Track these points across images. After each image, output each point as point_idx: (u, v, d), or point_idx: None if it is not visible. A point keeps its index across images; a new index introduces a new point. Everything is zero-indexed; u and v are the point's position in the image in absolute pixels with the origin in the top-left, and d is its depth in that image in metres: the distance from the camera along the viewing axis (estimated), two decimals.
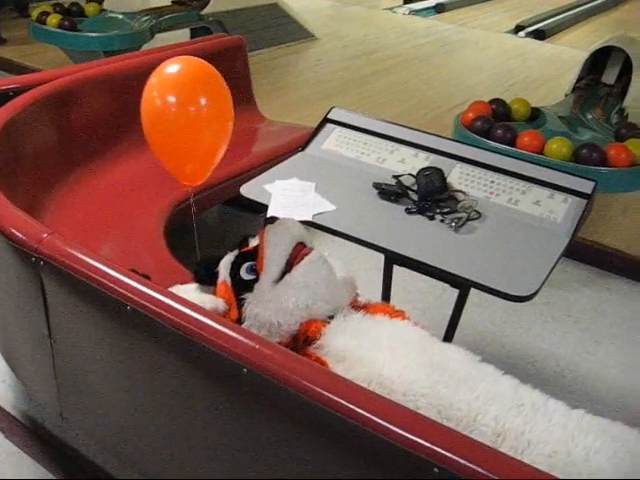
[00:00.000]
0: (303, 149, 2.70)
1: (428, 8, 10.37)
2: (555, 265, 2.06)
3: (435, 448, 1.17)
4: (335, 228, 2.22)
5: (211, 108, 2.21)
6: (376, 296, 2.43)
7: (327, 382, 1.33)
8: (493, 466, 1.13)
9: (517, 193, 2.37)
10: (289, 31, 7.45)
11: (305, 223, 1.95)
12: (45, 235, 1.78)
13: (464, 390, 1.47)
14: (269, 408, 1.43)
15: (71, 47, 5.47)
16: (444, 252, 2.11)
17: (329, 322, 1.67)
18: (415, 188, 2.37)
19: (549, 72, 7.12)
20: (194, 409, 1.63)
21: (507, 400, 1.44)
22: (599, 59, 4.76)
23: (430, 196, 2.32)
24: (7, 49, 6.60)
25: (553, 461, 1.33)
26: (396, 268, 2.41)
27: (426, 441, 1.18)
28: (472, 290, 2.16)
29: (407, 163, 2.54)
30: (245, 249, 1.80)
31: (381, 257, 2.35)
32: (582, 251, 3.65)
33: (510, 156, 2.56)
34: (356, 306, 1.78)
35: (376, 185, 2.39)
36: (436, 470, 1.15)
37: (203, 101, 2.19)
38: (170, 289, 1.69)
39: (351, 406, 1.26)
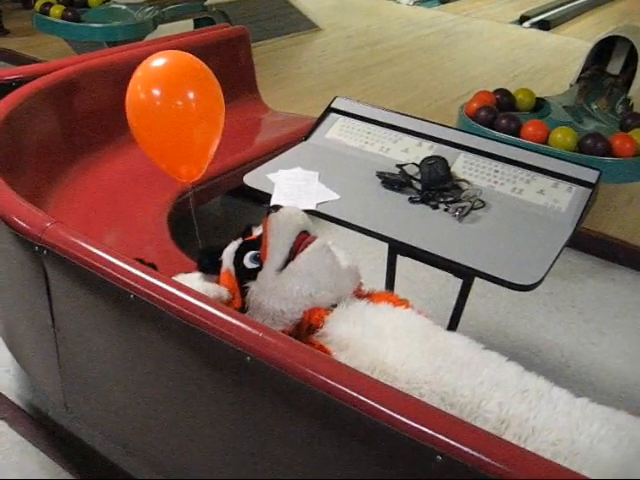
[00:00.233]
0: (306, 138, 2.70)
1: None
2: (559, 254, 2.05)
3: (438, 436, 1.16)
4: (339, 217, 2.21)
5: (200, 105, 2.19)
6: (380, 286, 2.43)
7: (330, 370, 1.33)
8: (497, 453, 1.13)
9: (521, 182, 2.36)
10: (293, 22, 7.42)
11: (309, 212, 1.94)
12: (48, 224, 1.78)
13: (467, 376, 1.46)
14: (272, 396, 1.43)
15: (74, 38, 5.46)
16: (448, 241, 2.10)
17: (332, 310, 1.67)
18: (419, 177, 2.37)
19: (554, 62, 7.09)
20: (198, 397, 1.63)
21: (511, 386, 1.44)
22: (604, 49, 4.73)
23: (434, 185, 2.31)
24: (10, 40, 6.59)
25: (557, 449, 1.33)
26: (400, 258, 2.41)
27: (429, 429, 1.18)
28: (476, 280, 2.15)
29: (411, 152, 2.53)
30: (249, 238, 1.80)
31: (385, 246, 2.35)
32: (587, 241, 3.64)
33: (515, 146, 2.55)
34: (360, 295, 1.78)
35: (380, 174, 2.39)
36: (439, 457, 1.15)
37: (191, 96, 2.16)
38: (174, 278, 1.69)
39: (354, 394, 1.26)
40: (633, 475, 1.30)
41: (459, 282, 2.27)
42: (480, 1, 10.36)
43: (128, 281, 1.59)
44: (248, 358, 1.39)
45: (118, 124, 3.22)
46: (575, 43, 7.69)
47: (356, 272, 1.83)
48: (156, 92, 2.14)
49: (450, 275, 2.20)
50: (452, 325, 2.37)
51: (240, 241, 1.80)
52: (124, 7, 5.68)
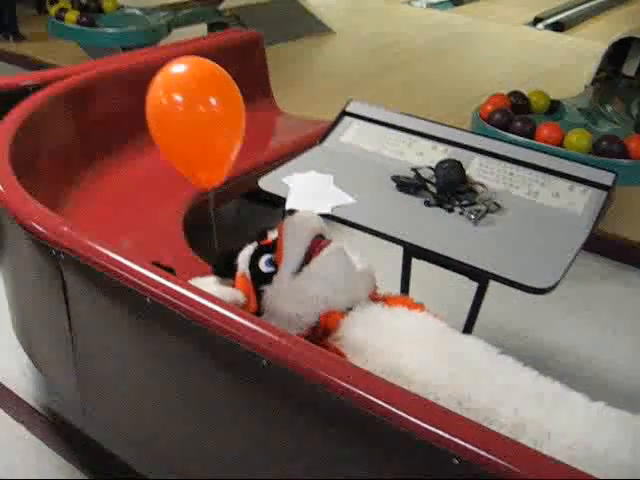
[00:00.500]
0: (321, 142, 2.70)
1: (445, 1, 10.32)
2: (575, 257, 2.04)
3: (454, 439, 1.16)
4: (354, 221, 2.21)
5: (221, 111, 2.20)
6: (395, 289, 2.42)
7: (346, 374, 1.33)
8: (513, 457, 1.13)
9: (536, 185, 2.35)
10: (306, 25, 7.44)
11: (324, 216, 1.94)
12: (65, 228, 1.79)
13: (484, 381, 1.46)
14: (288, 400, 1.43)
15: (89, 43, 5.51)
16: (463, 244, 2.10)
17: (348, 314, 1.67)
18: (434, 181, 2.36)
19: (568, 64, 7.05)
20: (214, 401, 1.63)
21: (527, 391, 1.44)
22: (619, 50, 4.71)
23: (449, 188, 2.31)
24: (26, 46, 6.64)
25: (573, 453, 1.32)
26: (415, 261, 2.41)
27: (446, 432, 1.17)
28: (491, 283, 2.15)
29: (425, 156, 2.53)
30: (264, 242, 1.81)
31: (400, 250, 2.34)
32: (602, 244, 3.62)
33: (529, 149, 2.54)
34: (375, 298, 1.78)
35: (394, 178, 2.39)
36: (456, 461, 1.15)
37: (214, 103, 2.17)
38: (189, 282, 1.70)
39: (370, 397, 1.26)
40: None
41: (474, 285, 2.27)
42: (493, 3, 10.35)
43: (144, 285, 1.59)
44: (264, 362, 1.39)
45: (134, 129, 3.25)
46: (589, 44, 7.64)
47: (371, 275, 1.83)
48: (178, 98, 2.15)
49: (465, 278, 2.19)
50: (467, 328, 2.36)
51: (255, 245, 1.81)
52: (138, 12, 5.73)
